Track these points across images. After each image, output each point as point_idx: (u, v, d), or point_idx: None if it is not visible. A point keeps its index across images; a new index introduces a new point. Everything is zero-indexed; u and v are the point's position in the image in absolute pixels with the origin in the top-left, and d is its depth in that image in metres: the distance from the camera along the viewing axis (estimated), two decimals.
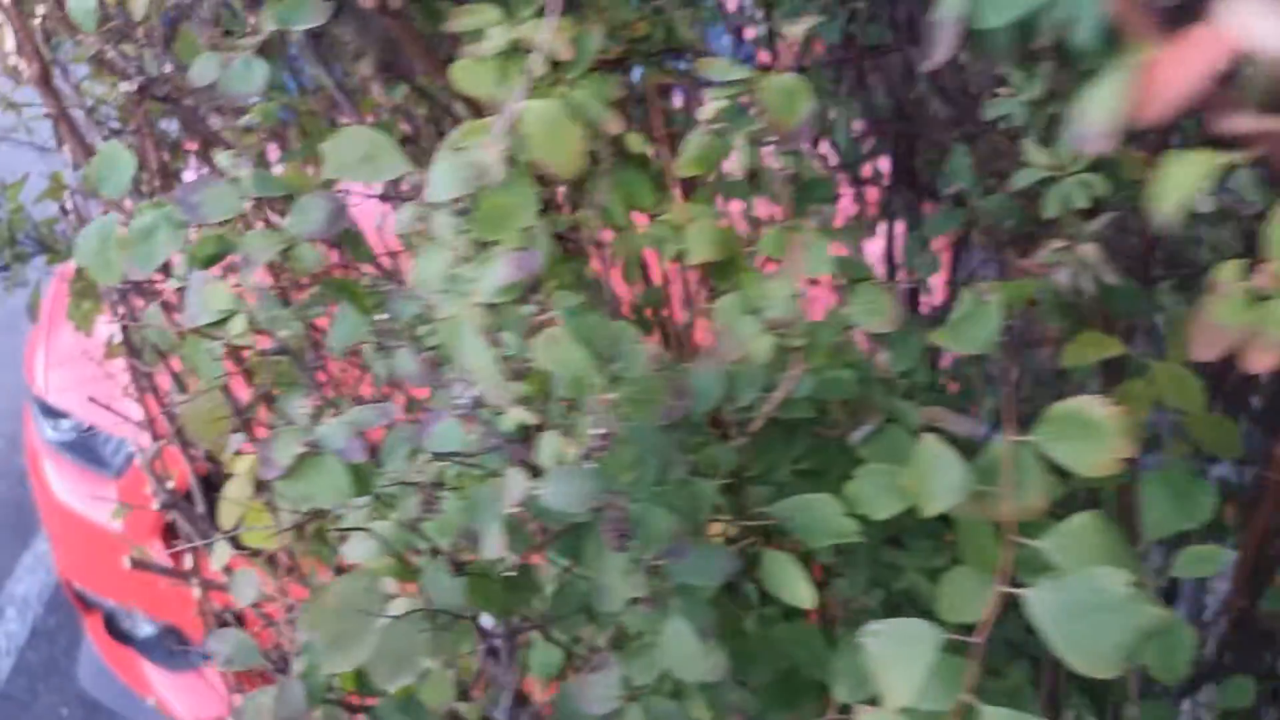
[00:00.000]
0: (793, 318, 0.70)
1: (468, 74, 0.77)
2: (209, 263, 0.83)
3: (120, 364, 2.72)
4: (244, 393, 1.09)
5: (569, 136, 0.58)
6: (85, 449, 2.71)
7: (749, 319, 0.76)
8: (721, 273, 0.87)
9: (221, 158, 0.81)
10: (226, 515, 0.90)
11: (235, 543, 0.97)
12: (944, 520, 0.82)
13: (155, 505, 1.16)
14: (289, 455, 0.68)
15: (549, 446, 0.64)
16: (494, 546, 0.66)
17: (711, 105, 0.66)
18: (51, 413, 2.77)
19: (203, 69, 0.77)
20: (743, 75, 0.66)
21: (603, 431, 0.59)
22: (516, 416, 0.62)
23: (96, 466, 2.68)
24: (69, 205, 1.22)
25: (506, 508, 0.64)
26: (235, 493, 0.89)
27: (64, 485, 2.73)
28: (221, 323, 0.73)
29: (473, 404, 0.66)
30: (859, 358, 0.82)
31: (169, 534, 2.52)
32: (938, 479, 0.71)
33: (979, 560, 0.75)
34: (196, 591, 1.16)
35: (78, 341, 2.92)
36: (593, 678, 0.82)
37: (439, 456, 0.67)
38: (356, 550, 0.74)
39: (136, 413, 2.62)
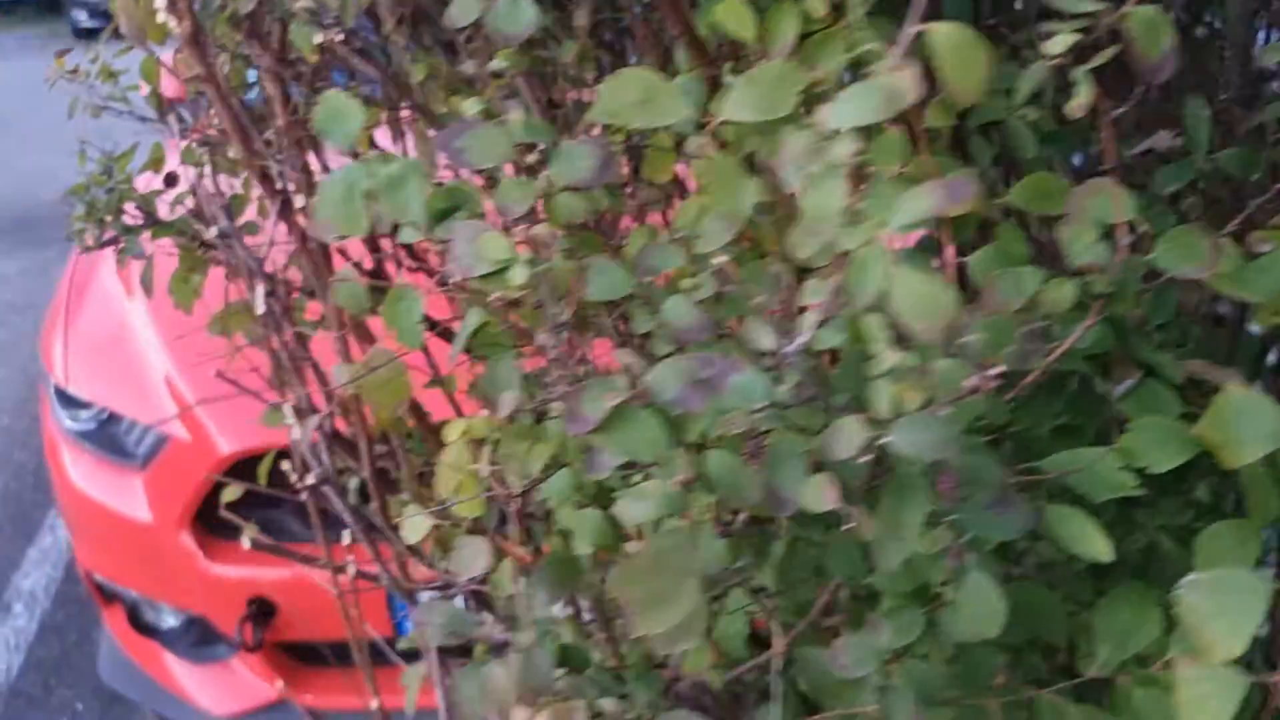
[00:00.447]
0: (1101, 263, 0.68)
1: (733, 14, 0.74)
2: (442, 216, 0.79)
3: (144, 349, 2.65)
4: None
5: (978, 58, 0.55)
6: (107, 439, 2.64)
7: (1029, 269, 0.74)
8: (962, 225, 0.85)
9: (468, 104, 0.78)
10: (443, 483, 0.86)
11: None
12: (1180, 476, 0.81)
13: (307, 482, 1.12)
14: (600, 408, 0.65)
15: (886, 393, 0.62)
16: (824, 498, 0.63)
17: (1060, 39, 0.64)
18: (71, 402, 2.70)
19: (464, 7, 0.73)
20: (1094, 7, 0.63)
21: (996, 371, 0.57)
22: (893, 359, 0.59)
23: (119, 456, 2.60)
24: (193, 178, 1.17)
25: (847, 455, 0.61)
26: (452, 460, 0.85)
27: (84, 476, 2.65)
28: (497, 274, 0.70)
29: (800, 350, 0.64)
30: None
31: (198, 525, 2.45)
32: (1247, 427, 0.69)
33: (1266, 512, 0.74)
34: (349, 570, 1.12)
35: (97, 327, 2.85)
36: (852, 639, 0.80)
37: (760, 409, 0.64)
38: (633, 511, 0.71)
39: (165, 399, 2.56)
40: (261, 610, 2.49)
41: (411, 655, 2.51)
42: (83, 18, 16.98)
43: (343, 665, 2.67)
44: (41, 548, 3.68)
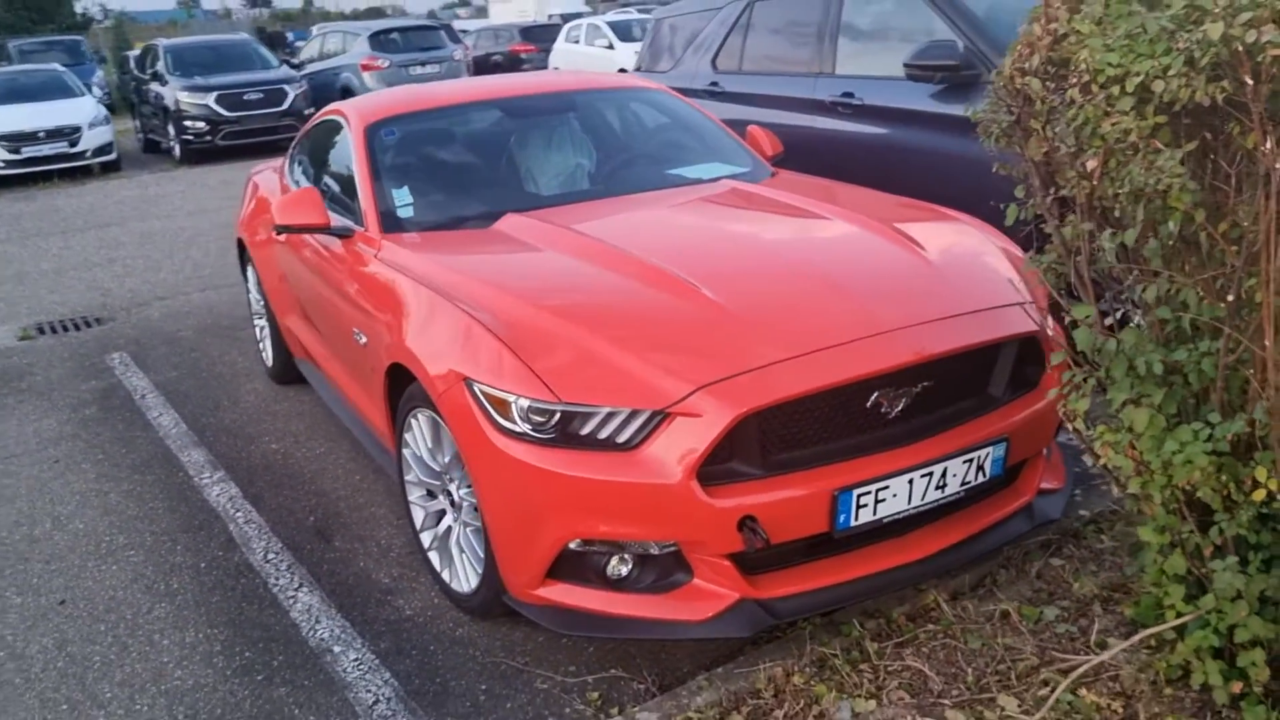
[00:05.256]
0: None
1: None
2: None
3: (581, 341, 3.43)
4: None
5: None
6: (568, 437, 3.38)
7: None
8: None
9: None
10: None
11: None
12: None
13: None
14: None
15: None
16: None
17: None
18: (532, 416, 3.39)
19: None
20: None
21: None
22: None
23: (604, 447, 3.35)
24: None
25: None
26: None
27: (572, 465, 3.35)
28: None
29: None
30: None
31: (701, 475, 3.27)
32: None
33: None
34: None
35: (537, 330, 3.58)
36: None
37: None
38: None
39: (650, 386, 3.28)
40: (753, 524, 3.40)
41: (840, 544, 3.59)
42: None
43: (781, 566, 3.57)
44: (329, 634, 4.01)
